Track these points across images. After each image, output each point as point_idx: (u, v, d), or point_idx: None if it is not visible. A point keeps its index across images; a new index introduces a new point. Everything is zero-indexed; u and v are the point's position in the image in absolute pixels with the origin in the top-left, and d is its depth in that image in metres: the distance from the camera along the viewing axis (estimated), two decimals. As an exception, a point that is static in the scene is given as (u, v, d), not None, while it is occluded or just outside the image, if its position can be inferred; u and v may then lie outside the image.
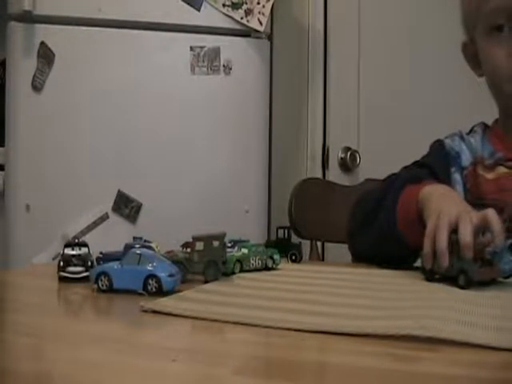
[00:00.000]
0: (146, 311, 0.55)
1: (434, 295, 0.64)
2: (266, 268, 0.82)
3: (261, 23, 1.70)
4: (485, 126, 1.06)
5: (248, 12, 1.69)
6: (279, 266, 0.84)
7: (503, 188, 0.94)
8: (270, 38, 1.79)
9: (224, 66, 1.70)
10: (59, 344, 0.46)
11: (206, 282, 0.71)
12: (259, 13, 1.70)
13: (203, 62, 1.69)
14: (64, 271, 0.72)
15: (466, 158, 1.01)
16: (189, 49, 1.69)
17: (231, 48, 1.71)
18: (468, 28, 1.00)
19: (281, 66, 2.03)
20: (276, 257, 0.83)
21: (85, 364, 0.41)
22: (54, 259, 1.47)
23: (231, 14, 1.69)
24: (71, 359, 0.42)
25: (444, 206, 0.76)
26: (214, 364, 0.40)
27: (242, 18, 1.69)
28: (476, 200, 0.93)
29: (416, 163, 1.05)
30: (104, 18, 1.63)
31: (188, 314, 0.53)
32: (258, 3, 1.70)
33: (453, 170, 1.01)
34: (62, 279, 0.72)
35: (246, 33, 1.72)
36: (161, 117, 1.68)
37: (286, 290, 0.67)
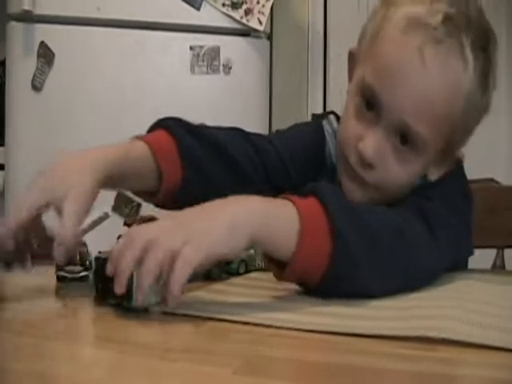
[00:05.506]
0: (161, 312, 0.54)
1: (442, 293, 0.63)
2: None
3: (260, 23, 1.70)
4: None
5: (248, 11, 1.69)
6: None
7: None
8: (269, 37, 1.79)
9: (224, 65, 1.70)
10: (59, 344, 0.46)
11: (206, 281, 0.71)
12: (259, 12, 1.70)
13: (203, 61, 1.69)
14: (62, 270, 0.72)
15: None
16: (188, 48, 1.69)
17: (231, 47, 1.71)
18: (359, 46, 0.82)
19: (281, 66, 2.03)
20: None
21: (85, 364, 0.41)
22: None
23: (231, 13, 1.69)
24: (71, 359, 0.42)
25: None
26: (214, 364, 0.40)
27: (241, 18, 1.69)
28: None
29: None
30: (104, 17, 1.63)
31: (200, 314, 0.53)
32: (258, 3, 1.70)
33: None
34: (60, 279, 0.72)
35: (246, 32, 1.72)
36: (160, 116, 1.67)
37: (290, 290, 0.66)
